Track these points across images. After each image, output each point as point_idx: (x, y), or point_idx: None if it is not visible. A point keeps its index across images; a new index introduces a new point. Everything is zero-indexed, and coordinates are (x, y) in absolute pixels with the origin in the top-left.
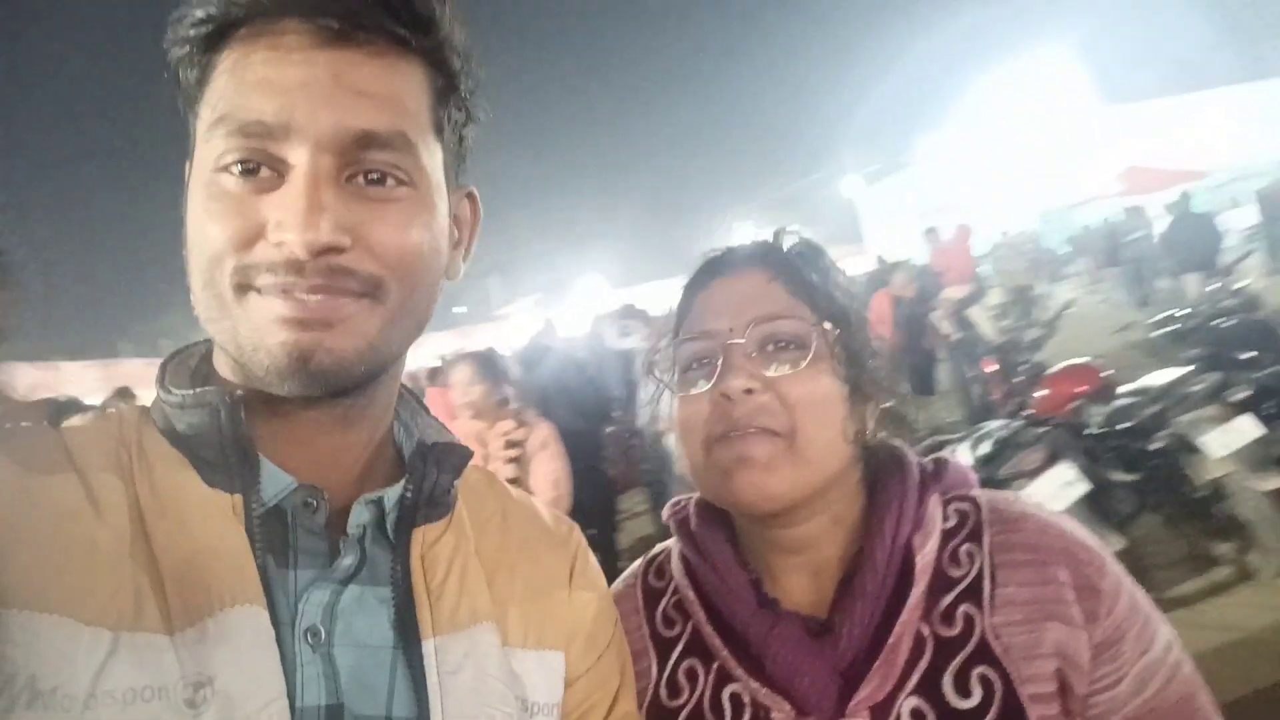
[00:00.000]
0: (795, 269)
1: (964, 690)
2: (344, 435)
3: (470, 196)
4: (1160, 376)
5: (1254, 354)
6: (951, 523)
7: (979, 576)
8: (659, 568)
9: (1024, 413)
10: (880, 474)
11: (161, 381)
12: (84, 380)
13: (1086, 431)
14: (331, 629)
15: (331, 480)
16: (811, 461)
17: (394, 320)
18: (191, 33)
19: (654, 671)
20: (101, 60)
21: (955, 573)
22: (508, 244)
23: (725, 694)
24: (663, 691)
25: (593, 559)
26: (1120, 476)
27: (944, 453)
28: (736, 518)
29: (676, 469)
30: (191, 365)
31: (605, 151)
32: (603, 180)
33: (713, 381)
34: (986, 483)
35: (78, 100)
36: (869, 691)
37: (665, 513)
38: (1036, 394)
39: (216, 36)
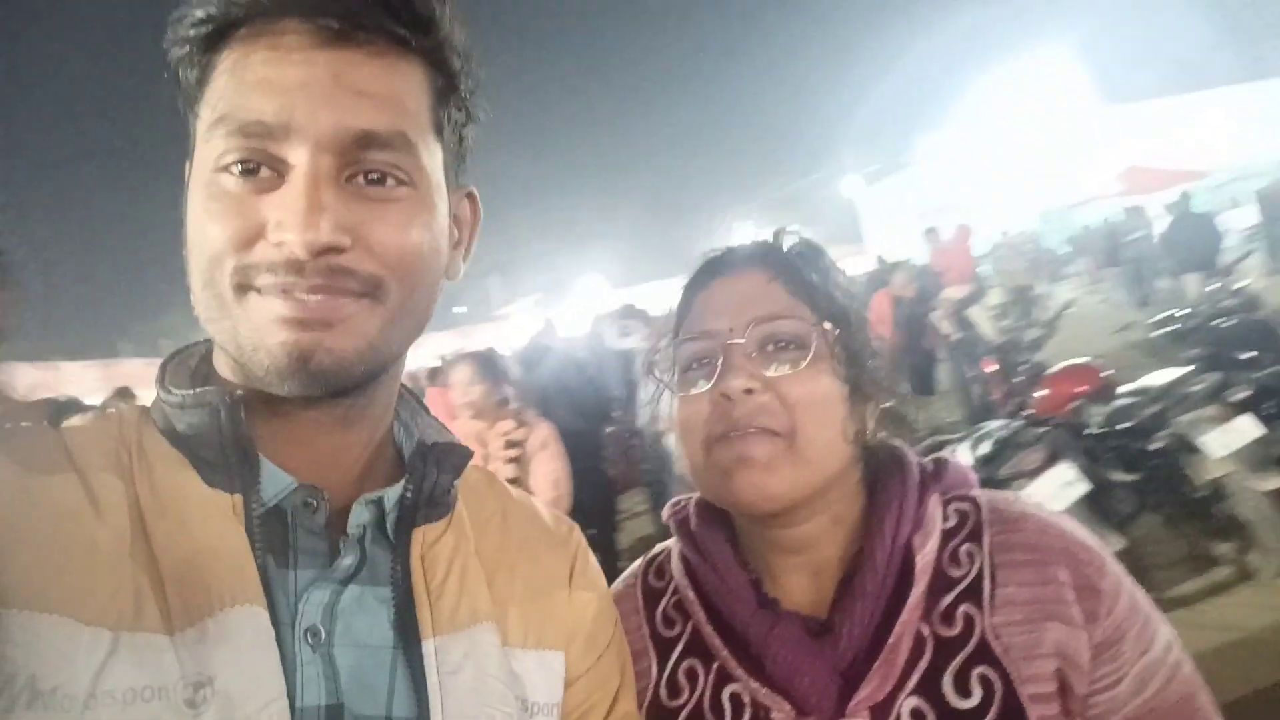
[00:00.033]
0: (795, 269)
1: (964, 690)
2: (344, 435)
3: (470, 196)
4: (1160, 376)
5: (1254, 354)
6: (951, 523)
7: (979, 576)
8: (659, 568)
9: (1024, 413)
10: (880, 474)
11: (161, 381)
12: (84, 380)
13: (1086, 431)
14: (331, 629)
15: (331, 480)
16: (811, 461)
17: (394, 320)
18: (191, 33)
19: (654, 671)
20: (101, 60)
21: (955, 573)
22: (508, 244)
23: (725, 694)
24: (663, 691)
25: (593, 559)
26: (1120, 476)
27: (944, 453)
28: (736, 518)
29: (676, 469)
30: (191, 365)
31: (605, 151)
32: (602, 180)
33: (713, 381)
34: (986, 483)
35: (78, 100)
36: (869, 691)
37: (665, 513)
38: (1036, 394)
39: (216, 36)
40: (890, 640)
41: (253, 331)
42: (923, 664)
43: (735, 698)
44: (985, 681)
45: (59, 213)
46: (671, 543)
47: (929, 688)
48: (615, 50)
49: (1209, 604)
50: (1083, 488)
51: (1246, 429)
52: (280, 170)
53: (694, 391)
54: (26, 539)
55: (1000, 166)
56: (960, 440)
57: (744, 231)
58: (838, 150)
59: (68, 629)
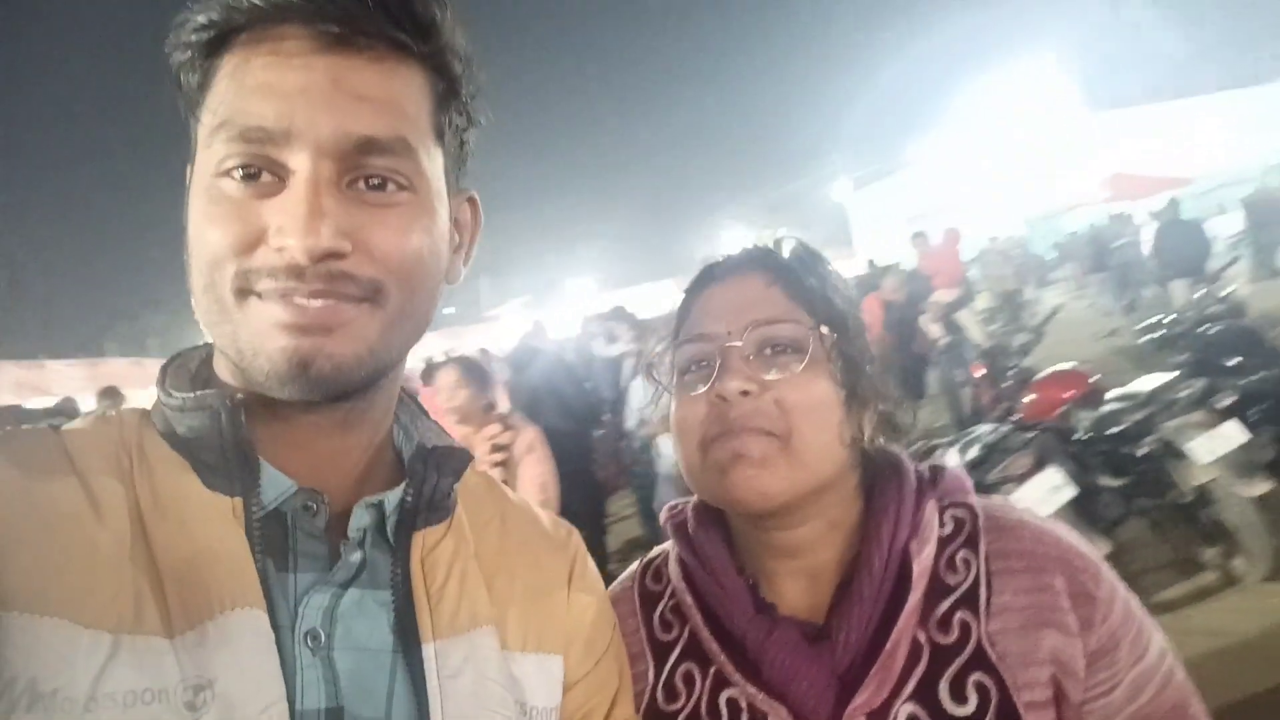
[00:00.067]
0: (794, 273)
1: (960, 697)
2: (344, 439)
3: (471, 200)
4: (1147, 382)
5: (1240, 360)
6: (948, 529)
7: (975, 583)
8: (656, 571)
9: (1012, 417)
10: (878, 480)
11: (162, 384)
12: (70, 379)
13: (1074, 436)
14: (331, 632)
15: (331, 483)
16: (807, 463)
17: (394, 325)
18: (193, 38)
19: (651, 675)
20: (98, 61)
21: (952, 579)
22: (498, 246)
23: (722, 699)
24: (659, 695)
25: (591, 563)
26: (1107, 481)
27: (932, 457)
28: (733, 521)
29: (673, 471)
30: (192, 368)
31: (595, 154)
32: (593, 182)
33: (709, 383)
34: (974, 487)
35: (69, 101)
36: (866, 697)
37: (662, 516)
38: (1025, 399)
39: (218, 42)
40: (887, 646)
41: (253, 336)
42: (919, 670)
43: (732, 702)
44: (981, 688)
45: (47, 211)
46: (669, 546)
47: (925, 694)
48: (604, 54)
49: (1195, 609)
50: (1070, 492)
51: (1232, 435)
52: (281, 175)
53: (691, 394)
54: (27, 542)
55: (988, 172)
56: (949, 444)
57: (734, 235)
58: (828, 155)
59: (68, 632)
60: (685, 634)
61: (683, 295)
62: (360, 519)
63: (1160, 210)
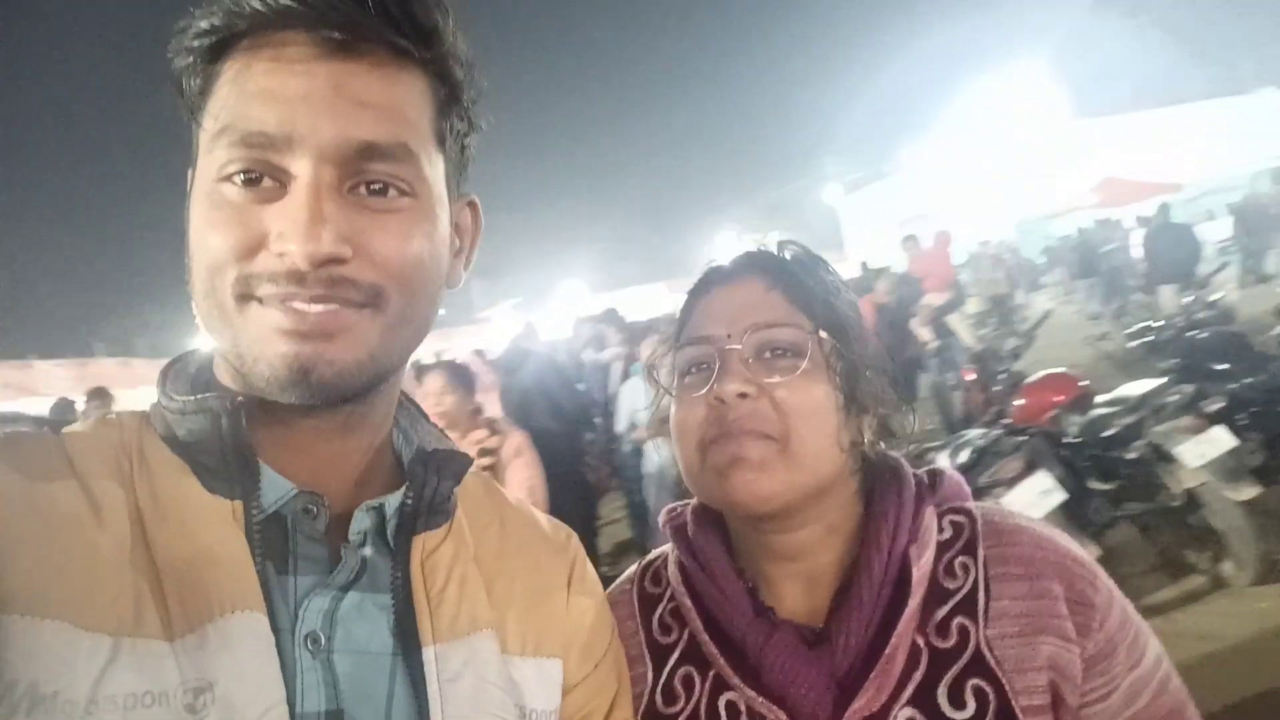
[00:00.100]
0: (795, 278)
1: (958, 702)
2: (344, 442)
3: (471, 205)
4: (1136, 387)
5: (1228, 366)
6: (947, 534)
7: (974, 589)
8: (655, 574)
9: (1003, 421)
10: (877, 485)
11: (162, 387)
12: (58, 379)
13: (1064, 440)
14: (331, 635)
15: (331, 487)
16: (805, 466)
17: (394, 330)
18: (195, 43)
19: (649, 678)
20: (99, 60)
21: (950, 585)
22: (490, 247)
23: (721, 702)
24: (658, 698)
25: (590, 566)
26: (1097, 485)
27: (922, 460)
28: (732, 524)
29: (672, 472)
30: (192, 372)
31: (588, 157)
32: (585, 185)
33: (709, 386)
34: None
35: (69, 102)
36: (864, 702)
37: (661, 518)
38: (1015, 403)
39: (220, 47)
40: (886, 651)
41: (253, 342)
42: (918, 675)
43: (731, 706)
44: (979, 693)
45: (39, 212)
46: (668, 548)
47: (924, 699)
48: (596, 57)
49: (1183, 613)
50: (1060, 496)
51: (1220, 439)
52: (282, 181)
53: (691, 396)
54: (27, 544)
55: (979, 176)
56: (940, 448)
57: (727, 238)
58: (820, 158)
59: (68, 635)
60: (684, 637)
61: (683, 298)
62: (361, 522)
63: (1151, 216)
